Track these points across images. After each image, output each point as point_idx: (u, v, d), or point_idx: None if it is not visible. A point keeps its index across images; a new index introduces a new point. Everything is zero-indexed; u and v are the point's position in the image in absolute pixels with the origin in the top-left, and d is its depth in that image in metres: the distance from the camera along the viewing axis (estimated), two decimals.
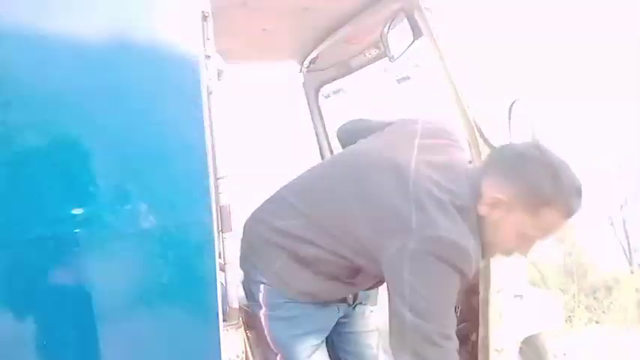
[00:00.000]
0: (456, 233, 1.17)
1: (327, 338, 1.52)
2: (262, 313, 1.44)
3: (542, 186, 1.16)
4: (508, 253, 1.30)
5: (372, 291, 1.63)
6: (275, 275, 1.41)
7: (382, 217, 1.26)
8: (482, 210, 1.22)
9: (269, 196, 1.52)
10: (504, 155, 1.27)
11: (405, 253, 1.17)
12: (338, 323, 1.55)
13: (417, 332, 1.17)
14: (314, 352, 1.45)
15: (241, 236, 1.48)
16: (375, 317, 1.65)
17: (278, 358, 1.45)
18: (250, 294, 1.47)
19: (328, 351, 1.54)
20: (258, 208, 1.51)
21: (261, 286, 1.44)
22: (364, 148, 1.46)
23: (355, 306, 1.58)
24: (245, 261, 1.48)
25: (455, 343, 1.21)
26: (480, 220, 1.23)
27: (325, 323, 1.49)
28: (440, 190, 1.23)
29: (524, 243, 1.25)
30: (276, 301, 1.42)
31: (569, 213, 1.18)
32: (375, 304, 1.69)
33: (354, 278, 1.40)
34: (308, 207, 1.38)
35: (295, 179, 1.51)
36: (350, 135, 1.64)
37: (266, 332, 1.44)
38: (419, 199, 1.21)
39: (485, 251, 1.25)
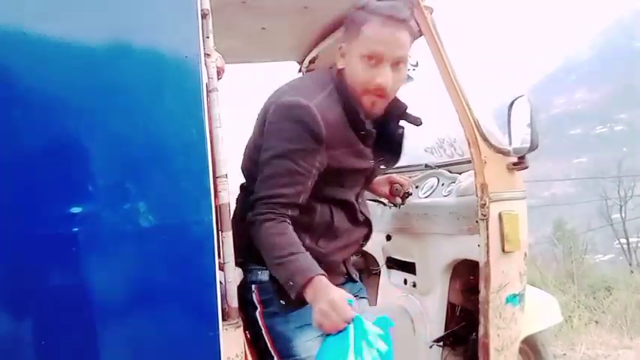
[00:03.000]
0: (299, 96, 1.36)
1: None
2: (258, 312, 1.44)
3: (357, 15, 1.40)
4: (367, 82, 1.39)
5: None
6: None
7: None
8: (339, 64, 1.45)
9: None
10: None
11: (267, 122, 1.38)
12: None
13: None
14: (313, 346, 1.44)
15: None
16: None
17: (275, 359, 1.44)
18: (245, 300, 1.46)
19: None
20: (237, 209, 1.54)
21: (253, 286, 1.44)
22: None
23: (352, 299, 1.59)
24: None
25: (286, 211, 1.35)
26: (343, 79, 1.43)
27: None
28: (296, 81, 1.52)
29: (365, 67, 1.38)
30: (270, 297, 1.43)
31: (382, 20, 1.35)
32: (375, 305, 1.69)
33: (314, 213, 1.44)
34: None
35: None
36: None
37: (264, 332, 1.44)
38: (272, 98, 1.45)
39: (362, 90, 1.40)
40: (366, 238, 1.60)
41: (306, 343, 1.42)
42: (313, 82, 1.44)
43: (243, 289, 1.44)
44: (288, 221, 1.34)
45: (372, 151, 1.50)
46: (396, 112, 1.51)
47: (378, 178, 1.90)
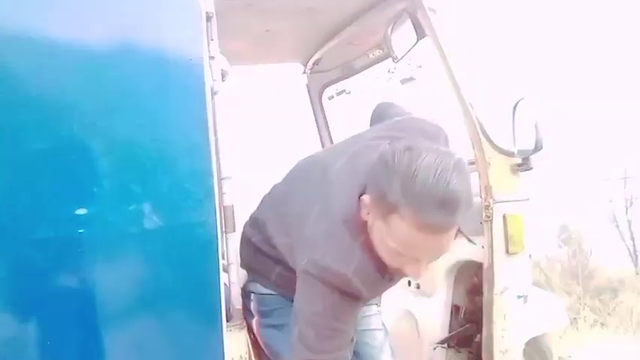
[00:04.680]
0: (331, 256, 1.14)
1: None
2: (255, 321, 1.44)
3: (389, 191, 1.01)
4: (392, 266, 1.13)
5: None
6: (274, 284, 1.41)
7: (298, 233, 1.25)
8: (363, 215, 1.12)
9: (259, 204, 1.51)
10: (379, 158, 1.09)
11: (304, 270, 1.17)
12: None
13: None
14: None
15: (239, 244, 1.47)
16: (380, 318, 1.63)
17: None
18: (245, 304, 1.47)
19: None
20: (251, 216, 1.51)
21: (252, 295, 1.44)
22: (322, 158, 1.42)
23: None
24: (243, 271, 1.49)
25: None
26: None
27: None
28: (333, 204, 1.20)
29: (392, 256, 1.09)
30: (267, 309, 1.42)
31: (419, 224, 0.98)
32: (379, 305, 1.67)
33: None
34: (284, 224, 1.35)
35: (277, 185, 1.49)
36: (376, 120, 1.60)
37: (259, 340, 1.45)
38: (310, 218, 1.21)
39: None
40: None
41: None
42: (347, 226, 1.16)
43: (243, 295, 1.45)
44: None
45: None
46: None
47: None
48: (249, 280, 1.46)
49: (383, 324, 1.62)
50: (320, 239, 1.17)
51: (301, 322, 1.17)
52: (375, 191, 1.06)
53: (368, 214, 1.10)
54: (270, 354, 1.44)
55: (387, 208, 1.02)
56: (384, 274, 1.16)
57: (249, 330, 1.44)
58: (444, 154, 1.04)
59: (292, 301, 1.23)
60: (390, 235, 1.04)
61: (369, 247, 1.12)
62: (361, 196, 1.13)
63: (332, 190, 1.23)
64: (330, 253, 1.14)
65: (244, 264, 1.46)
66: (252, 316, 1.45)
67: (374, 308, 1.64)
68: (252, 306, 1.44)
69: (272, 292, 1.40)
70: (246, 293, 1.46)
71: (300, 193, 1.33)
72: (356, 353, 1.54)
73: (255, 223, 1.46)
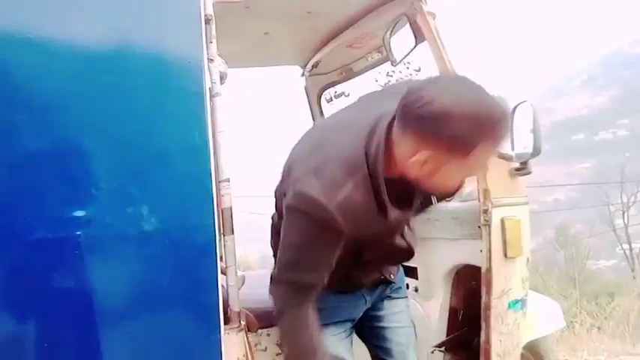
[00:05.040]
0: (317, 188, 1.18)
1: (358, 331, 1.53)
2: None
3: (458, 140, 1.11)
4: (449, 190, 1.36)
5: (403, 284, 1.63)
6: None
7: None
8: (414, 169, 1.18)
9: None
10: (419, 115, 1.15)
11: (286, 205, 1.25)
12: (368, 316, 1.54)
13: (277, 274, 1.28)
14: (335, 341, 1.43)
15: (270, 233, 1.49)
16: (408, 313, 1.62)
17: None
18: None
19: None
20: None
21: None
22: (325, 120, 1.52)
23: (384, 298, 1.56)
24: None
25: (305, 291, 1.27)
26: (384, 172, 1.21)
27: (346, 315, 1.49)
28: (330, 145, 1.27)
29: (458, 180, 1.31)
30: None
31: (497, 143, 1.18)
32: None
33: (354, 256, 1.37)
34: None
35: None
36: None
37: None
38: (301, 162, 1.28)
39: (430, 190, 1.33)
40: (405, 260, 1.54)
41: (329, 338, 1.41)
42: (342, 165, 1.21)
43: None
44: (311, 304, 1.28)
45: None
46: None
47: None
48: None
49: (411, 321, 1.62)
50: (308, 174, 1.22)
51: (282, 247, 1.26)
52: (439, 147, 1.13)
53: (423, 165, 1.17)
54: None
55: (463, 152, 1.13)
56: (380, 217, 1.24)
57: (249, 330, 1.44)
58: (457, 80, 1.21)
59: None
60: (468, 168, 1.21)
61: (364, 188, 1.20)
62: (368, 142, 1.21)
63: (330, 136, 1.31)
64: (315, 185, 1.19)
65: (275, 251, 1.44)
66: None
67: (402, 303, 1.62)
68: None
69: None
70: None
71: (297, 151, 1.37)
72: (386, 350, 1.55)
73: (275, 206, 1.48)
